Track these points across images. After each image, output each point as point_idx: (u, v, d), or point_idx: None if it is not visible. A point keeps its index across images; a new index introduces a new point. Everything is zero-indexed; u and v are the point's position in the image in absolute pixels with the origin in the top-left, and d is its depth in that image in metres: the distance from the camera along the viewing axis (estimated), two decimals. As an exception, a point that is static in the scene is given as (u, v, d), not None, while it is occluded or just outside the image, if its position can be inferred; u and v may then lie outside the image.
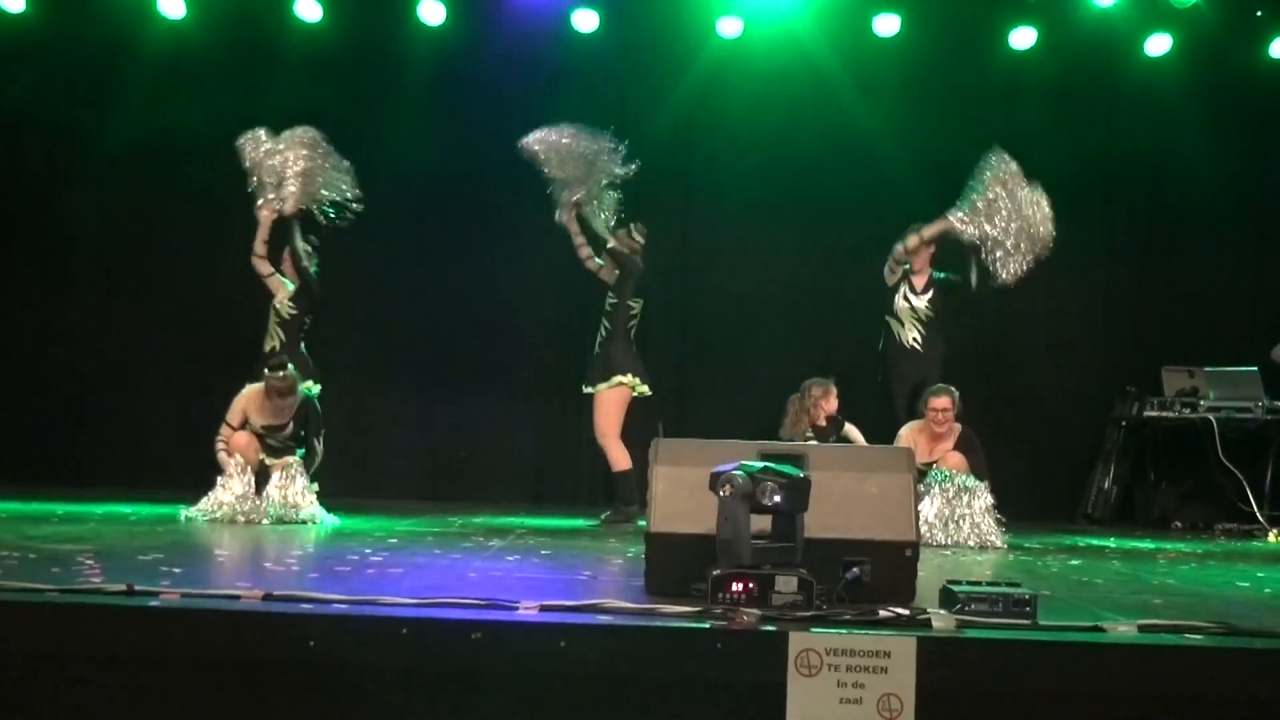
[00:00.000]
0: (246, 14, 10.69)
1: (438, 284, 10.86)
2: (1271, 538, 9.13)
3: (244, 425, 8.00)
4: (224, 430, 7.99)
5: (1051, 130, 10.57)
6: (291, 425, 8.07)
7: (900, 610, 3.83)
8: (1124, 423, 10.60)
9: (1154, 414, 10.25)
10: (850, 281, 10.24)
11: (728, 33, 10.68)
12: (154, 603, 3.67)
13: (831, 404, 9.01)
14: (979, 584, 3.99)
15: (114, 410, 10.83)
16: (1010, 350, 10.89)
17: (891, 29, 10.59)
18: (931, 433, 8.06)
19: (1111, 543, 8.18)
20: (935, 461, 7.94)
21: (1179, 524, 10.04)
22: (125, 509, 7.99)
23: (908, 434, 8.13)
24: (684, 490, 4.24)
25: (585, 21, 10.65)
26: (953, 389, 8.12)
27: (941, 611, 3.85)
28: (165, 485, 9.51)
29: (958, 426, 8.11)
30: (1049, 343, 10.96)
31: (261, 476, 7.91)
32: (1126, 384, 10.63)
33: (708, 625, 3.65)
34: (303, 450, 8.09)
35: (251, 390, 8.10)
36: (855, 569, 4.22)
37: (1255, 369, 9.80)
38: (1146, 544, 8.15)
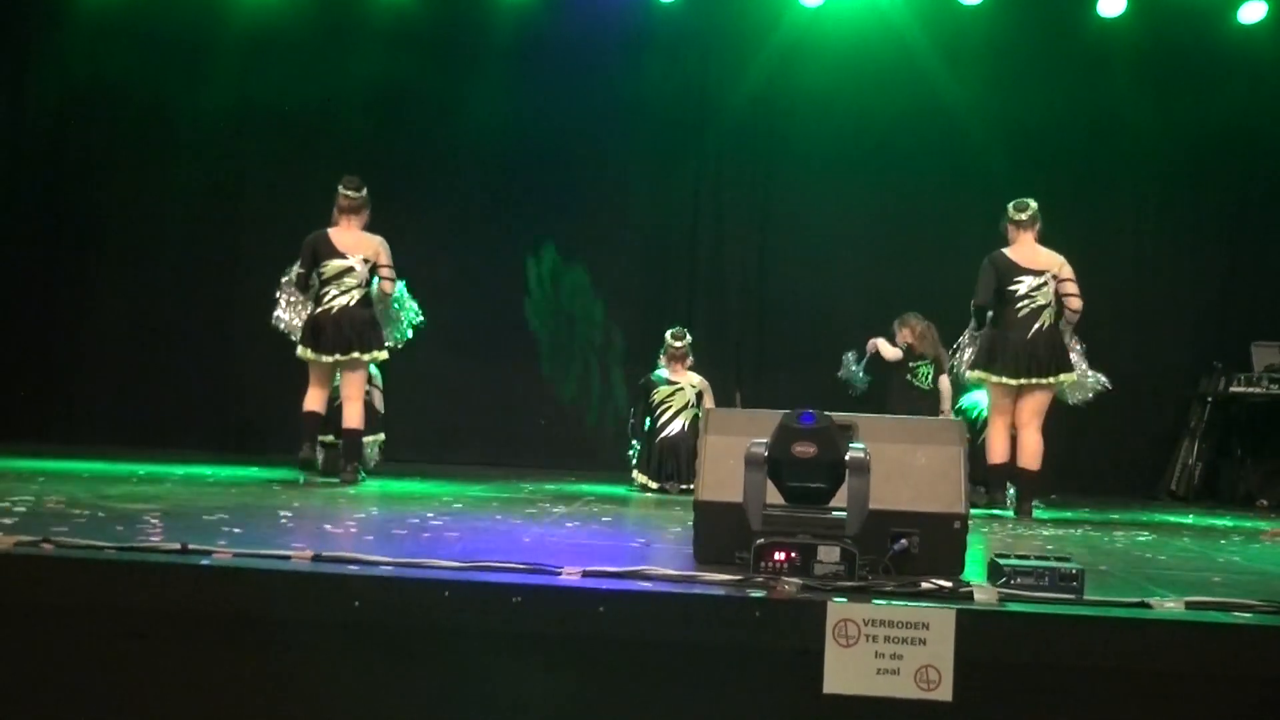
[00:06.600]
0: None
1: (517, 252, 10.91)
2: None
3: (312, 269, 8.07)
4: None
5: (1140, 100, 10.39)
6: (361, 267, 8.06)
7: (942, 582, 3.81)
8: (1210, 399, 10.41)
9: (1241, 390, 10.09)
10: (931, 251, 10.16)
11: (811, 1, 10.61)
12: (205, 561, 3.76)
13: (906, 337, 9.30)
14: (1027, 558, 3.97)
15: (209, 374, 11.04)
16: (1095, 324, 10.70)
17: (978, -3, 10.48)
18: None
19: (1189, 519, 8.04)
20: None
21: (1264, 502, 9.84)
22: (207, 470, 8.16)
23: None
24: (732, 459, 4.23)
25: (668, -11, 10.65)
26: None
27: (985, 584, 3.83)
28: (260, 450, 9.75)
29: None
30: (1134, 317, 10.77)
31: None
32: (1213, 359, 10.43)
33: (747, 594, 3.66)
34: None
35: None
36: (903, 540, 4.20)
37: (1346, 345, 9.59)
38: (1225, 521, 7.99)
